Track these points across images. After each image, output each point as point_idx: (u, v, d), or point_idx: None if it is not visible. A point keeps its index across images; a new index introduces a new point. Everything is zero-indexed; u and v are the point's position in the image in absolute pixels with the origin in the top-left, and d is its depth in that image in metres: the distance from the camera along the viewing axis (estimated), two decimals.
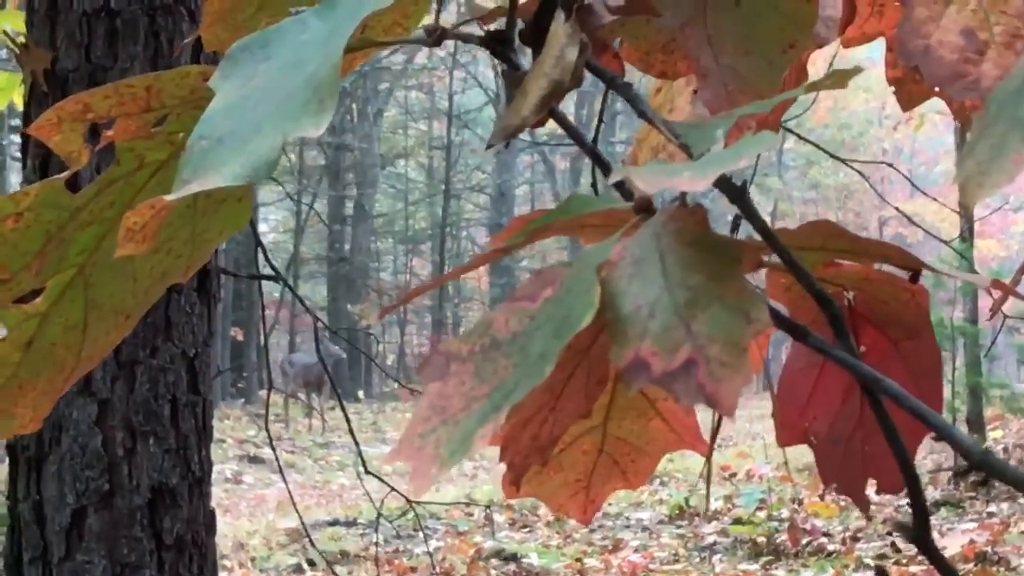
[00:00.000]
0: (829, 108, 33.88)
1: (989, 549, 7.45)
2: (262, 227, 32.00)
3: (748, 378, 0.58)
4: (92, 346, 0.95)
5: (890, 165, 5.26)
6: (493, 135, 0.80)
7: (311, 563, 8.26)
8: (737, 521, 9.20)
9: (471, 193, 37.11)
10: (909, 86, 1.33)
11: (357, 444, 4.51)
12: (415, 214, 38.04)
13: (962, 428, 10.69)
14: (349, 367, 28.48)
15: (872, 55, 1.40)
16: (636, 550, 8.65)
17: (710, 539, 8.90)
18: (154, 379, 3.20)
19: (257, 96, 0.73)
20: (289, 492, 4.76)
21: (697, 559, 8.37)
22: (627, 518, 10.10)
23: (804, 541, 8.20)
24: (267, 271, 4.33)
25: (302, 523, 4.93)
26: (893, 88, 1.34)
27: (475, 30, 0.86)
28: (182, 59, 3.12)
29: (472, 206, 38.14)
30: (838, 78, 0.75)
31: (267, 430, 4.40)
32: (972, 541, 7.55)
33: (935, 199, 6.11)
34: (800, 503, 9.45)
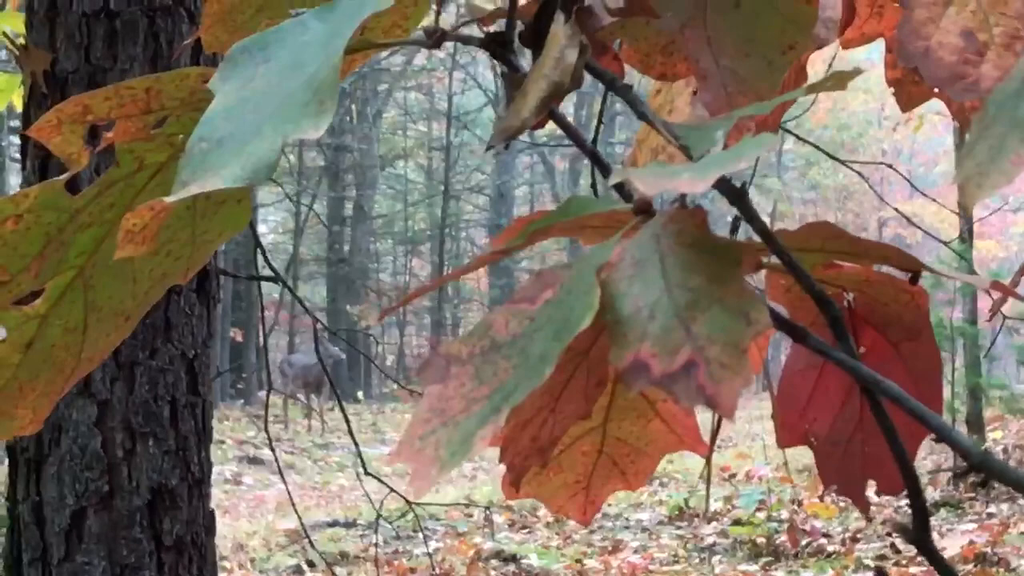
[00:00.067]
0: (828, 109, 33.90)
1: (989, 550, 7.45)
2: (261, 228, 32.01)
3: (748, 380, 0.58)
4: (92, 348, 0.95)
5: (889, 166, 5.26)
6: (493, 136, 0.80)
7: (311, 564, 8.26)
8: (737, 522, 9.20)
9: (470, 194, 37.10)
10: (908, 87, 1.33)
11: (356, 445, 4.51)
12: (414, 215, 38.03)
13: (962, 429, 10.69)
14: (348, 368, 28.49)
15: (872, 56, 1.40)
16: (636, 551, 8.65)
17: (710, 540, 8.90)
18: (153, 380, 3.20)
19: (257, 98, 0.73)
20: (288, 493, 4.76)
21: (697, 560, 8.37)
22: (627, 519, 10.10)
23: (804, 542, 8.21)
24: (266, 272, 4.32)
25: (301, 524, 4.93)
26: (892, 89, 1.34)
27: (475, 32, 0.86)
28: (182, 60, 3.11)
29: (471, 207, 38.14)
30: (837, 80, 0.75)
31: (266, 431, 4.40)
32: (972, 542, 7.55)
33: (934, 200, 6.11)
34: (800, 504, 9.45)
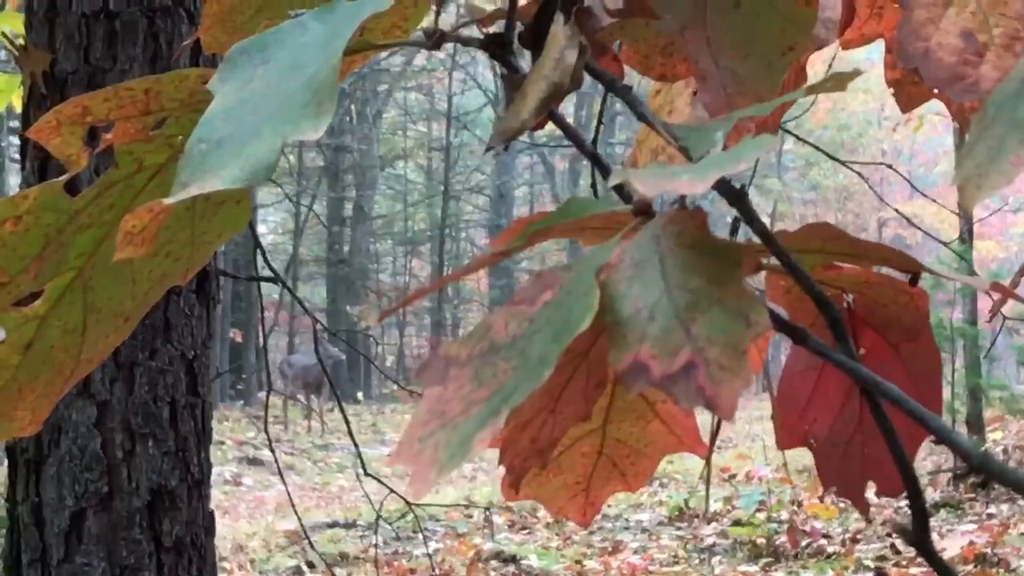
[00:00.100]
0: (828, 109, 33.91)
1: (989, 551, 7.45)
2: (261, 228, 32.01)
3: (747, 381, 0.58)
4: (91, 349, 0.95)
5: (889, 166, 5.26)
6: (492, 138, 0.80)
7: (310, 565, 8.26)
8: (737, 523, 9.20)
9: (470, 194, 37.11)
10: (908, 88, 1.33)
11: (356, 446, 4.51)
12: (414, 215, 38.03)
13: (962, 429, 10.69)
14: (348, 368, 28.50)
15: (871, 56, 1.40)
16: (636, 552, 8.65)
17: (710, 541, 8.90)
18: (153, 381, 3.20)
19: (256, 99, 0.73)
20: (288, 494, 4.76)
21: (696, 561, 8.37)
22: (627, 520, 10.10)
23: (804, 543, 8.21)
24: (266, 273, 4.32)
25: (301, 525, 4.93)
26: (892, 90, 1.34)
27: (474, 33, 0.86)
28: (181, 61, 3.11)
29: (471, 207, 38.14)
30: (837, 81, 0.75)
31: (266, 432, 4.40)
32: (972, 543, 7.55)
33: (934, 200, 6.11)
34: (800, 505, 9.45)
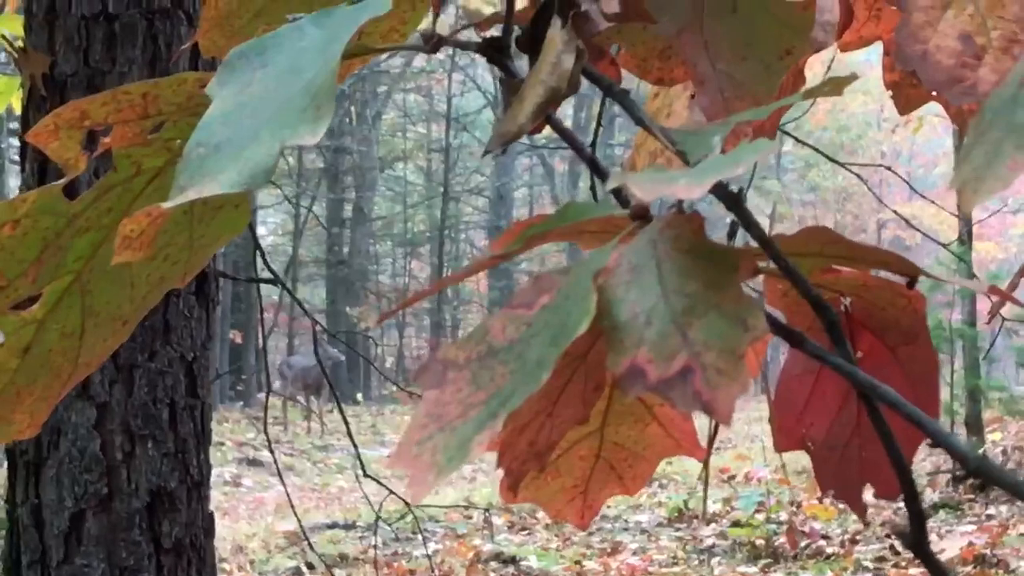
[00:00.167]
0: (828, 111, 33.90)
1: (988, 551, 7.45)
2: (261, 230, 32.00)
3: (744, 386, 0.58)
4: (89, 352, 0.95)
5: (888, 168, 5.26)
6: (490, 141, 0.80)
7: (310, 566, 8.26)
8: (736, 524, 9.20)
9: (470, 196, 37.11)
10: (907, 90, 1.33)
11: (356, 447, 4.52)
12: (414, 217, 38.02)
13: (961, 430, 10.69)
14: (348, 370, 28.48)
15: (870, 58, 1.40)
16: (635, 552, 8.65)
17: (709, 541, 8.90)
18: (152, 383, 3.20)
19: (254, 103, 0.73)
20: (288, 495, 4.75)
21: (696, 561, 8.37)
22: (626, 520, 10.10)
23: (803, 544, 8.21)
24: (265, 274, 4.32)
25: (301, 526, 4.93)
26: (891, 92, 1.34)
27: (472, 37, 0.86)
28: (180, 63, 3.11)
29: (471, 209, 38.14)
30: (834, 85, 0.75)
31: (266, 433, 4.40)
32: (971, 543, 7.55)
33: (933, 202, 6.11)
34: (799, 506, 9.45)
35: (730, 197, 0.73)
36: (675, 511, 10.13)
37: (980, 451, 9.77)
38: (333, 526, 10.17)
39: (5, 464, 3.35)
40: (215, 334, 3.50)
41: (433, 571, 7.91)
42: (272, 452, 4.61)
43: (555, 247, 28.14)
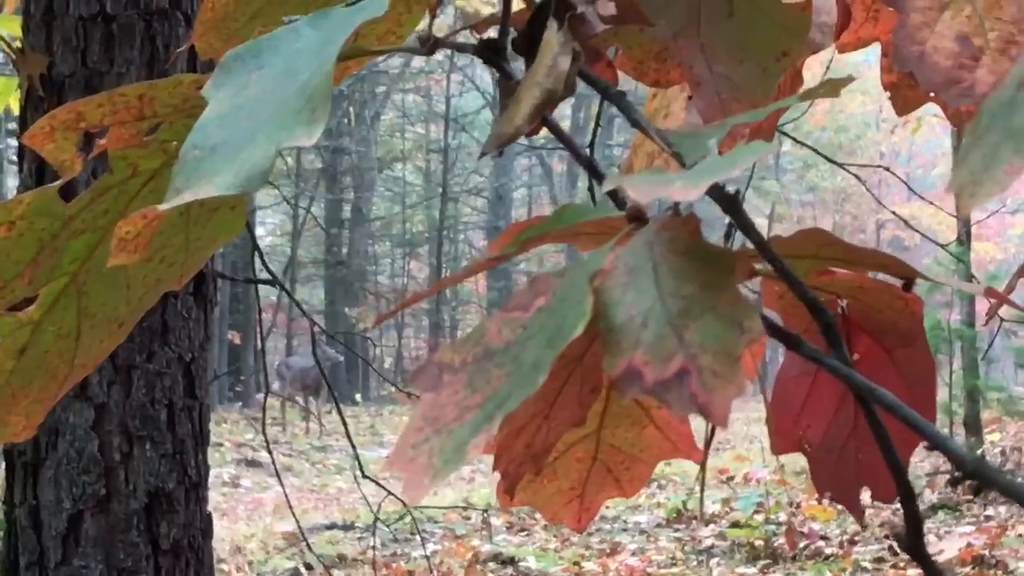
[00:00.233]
0: (826, 111, 33.90)
1: (987, 553, 7.45)
2: (259, 231, 32.01)
3: (741, 388, 0.58)
4: (85, 354, 0.95)
5: (887, 169, 5.25)
6: (487, 144, 0.80)
7: (308, 567, 8.26)
8: (735, 524, 9.20)
9: (468, 196, 37.12)
10: (904, 91, 1.33)
11: (354, 448, 4.52)
12: (412, 217, 38.03)
13: (960, 431, 10.70)
14: (346, 370, 28.49)
15: (869, 58, 1.40)
16: (634, 553, 8.65)
17: (708, 542, 8.90)
18: (151, 384, 3.20)
19: (250, 105, 0.73)
20: (286, 496, 4.75)
21: (695, 562, 8.37)
22: (625, 521, 10.10)
23: (801, 544, 8.21)
24: (264, 275, 4.32)
25: (299, 527, 4.93)
26: (889, 93, 1.34)
27: (469, 38, 0.86)
28: (178, 64, 3.11)
29: (469, 209, 38.14)
30: (832, 86, 0.75)
31: (264, 434, 4.40)
32: (970, 544, 7.55)
33: (932, 203, 6.11)
34: (798, 506, 9.46)
35: (727, 199, 0.72)
36: (674, 512, 10.13)
37: (979, 452, 9.77)
38: (332, 527, 10.16)
39: (3, 465, 3.35)
40: (213, 335, 3.50)
41: (431, 572, 7.91)
42: (270, 453, 4.61)
43: (554, 247, 28.16)
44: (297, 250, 31.54)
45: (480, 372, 0.67)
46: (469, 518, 10.31)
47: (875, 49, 1.34)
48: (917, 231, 5.35)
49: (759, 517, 9.30)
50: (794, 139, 4.72)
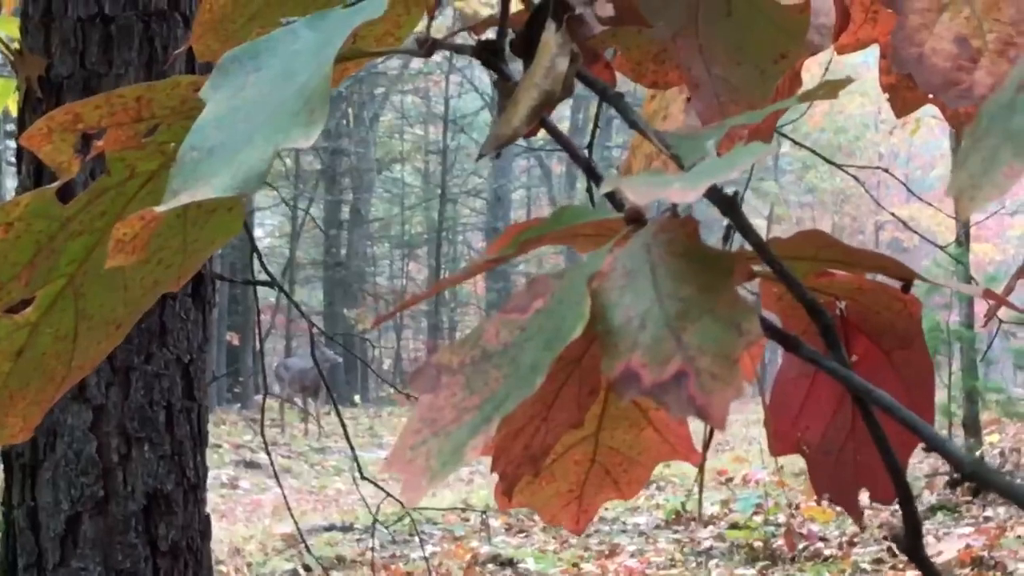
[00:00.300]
0: (825, 112, 33.90)
1: (986, 554, 7.44)
2: (258, 232, 32.02)
3: (739, 390, 0.58)
4: (83, 356, 0.94)
5: (885, 170, 5.25)
6: (484, 145, 0.80)
7: (307, 568, 8.25)
8: (734, 526, 9.19)
9: (467, 197, 37.11)
10: (903, 93, 1.33)
11: (353, 449, 4.51)
12: (411, 218, 38.02)
13: (959, 432, 10.69)
14: (345, 372, 28.48)
15: (868, 59, 1.40)
16: (632, 555, 8.65)
17: (707, 544, 8.89)
18: (149, 385, 3.20)
19: (248, 107, 0.73)
20: (285, 497, 4.75)
21: (694, 564, 8.36)
22: (623, 523, 10.10)
23: (800, 546, 8.21)
24: (263, 276, 4.32)
25: (298, 528, 4.93)
26: (887, 95, 1.34)
27: (467, 40, 0.86)
28: (176, 66, 3.11)
29: (468, 210, 38.15)
30: (830, 88, 0.75)
31: (263, 435, 4.40)
32: (969, 546, 7.54)
33: (931, 204, 6.12)
34: (797, 508, 9.45)
35: (725, 201, 0.72)
36: (673, 513, 10.12)
37: (977, 453, 9.77)
38: (330, 528, 10.16)
39: (1, 467, 3.35)
40: (212, 336, 3.50)
41: (430, 573, 7.89)
42: (269, 454, 4.61)
43: (553, 249, 28.16)
44: (296, 251, 31.54)
45: (478, 374, 0.67)
46: (468, 519, 10.31)
47: (874, 51, 1.34)
48: (916, 232, 5.35)
49: (758, 518, 9.30)
50: (793, 140, 4.72)
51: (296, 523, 4.79)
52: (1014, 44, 1.01)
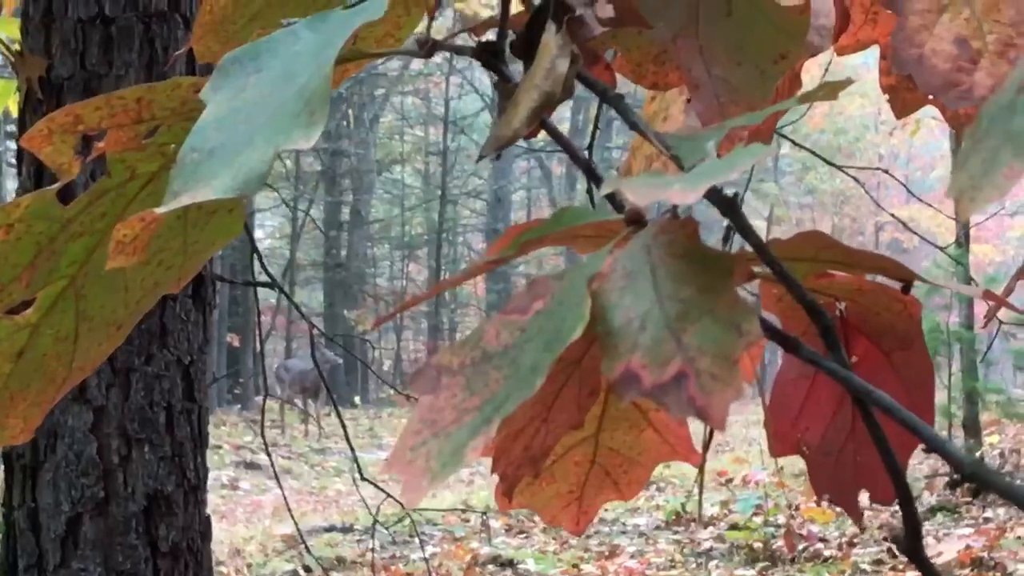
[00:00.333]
0: (825, 113, 33.90)
1: (985, 554, 7.44)
2: (258, 233, 32.01)
3: (739, 391, 0.58)
4: (83, 357, 0.94)
5: (885, 171, 5.26)
6: (484, 146, 0.80)
7: (307, 569, 8.25)
8: (733, 527, 9.19)
9: (467, 198, 37.12)
10: (903, 94, 1.33)
11: (353, 450, 4.51)
12: (411, 220, 38.01)
13: (958, 433, 10.69)
14: (345, 373, 28.48)
15: (867, 61, 1.40)
16: (632, 556, 8.65)
17: (706, 545, 8.89)
18: (149, 386, 3.20)
19: (248, 108, 0.73)
20: (285, 498, 4.75)
21: (693, 565, 8.36)
22: (623, 524, 10.10)
23: (800, 547, 8.20)
24: (263, 277, 4.32)
25: (298, 529, 4.93)
26: (887, 96, 1.34)
27: (467, 41, 0.86)
28: (177, 67, 3.11)
29: (468, 211, 38.15)
30: (830, 89, 0.75)
31: (263, 436, 4.40)
32: (968, 546, 7.54)
33: (930, 205, 6.12)
34: (796, 508, 9.45)
35: (725, 202, 0.72)
36: (673, 514, 10.12)
37: (977, 454, 9.77)
38: (331, 529, 10.16)
39: (1, 468, 3.35)
40: (212, 337, 3.50)
41: (430, 574, 7.90)
42: (269, 455, 4.61)
43: (553, 250, 28.16)
44: (296, 252, 31.55)
45: (478, 375, 0.67)
46: (468, 520, 10.30)
47: (874, 52, 1.34)
48: (916, 233, 5.35)
49: (758, 519, 9.30)
50: (793, 141, 4.73)
51: (296, 524, 4.80)
52: (1014, 45, 1.01)
